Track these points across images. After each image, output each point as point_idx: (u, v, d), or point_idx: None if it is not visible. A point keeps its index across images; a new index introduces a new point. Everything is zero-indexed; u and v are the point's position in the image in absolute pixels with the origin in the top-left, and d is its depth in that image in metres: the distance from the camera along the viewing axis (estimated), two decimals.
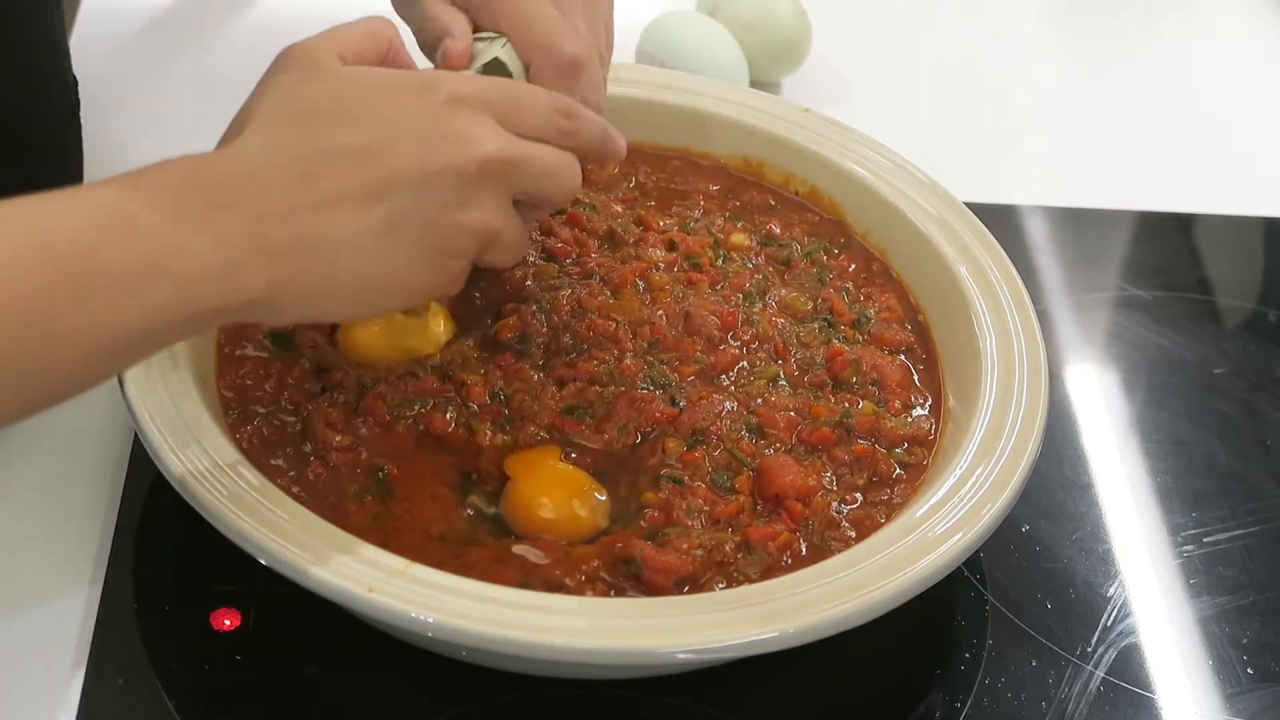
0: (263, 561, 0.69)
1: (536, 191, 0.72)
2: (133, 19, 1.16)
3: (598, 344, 0.82)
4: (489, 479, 0.77)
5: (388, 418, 0.78)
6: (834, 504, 0.77)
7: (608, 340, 0.82)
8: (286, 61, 0.69)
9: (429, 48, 0.78)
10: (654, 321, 0.83)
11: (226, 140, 0.68)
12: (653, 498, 0.76)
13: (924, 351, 0.86)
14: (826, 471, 0.79)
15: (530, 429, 0.79)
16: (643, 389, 0.80)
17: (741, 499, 0.77)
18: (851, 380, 0.83)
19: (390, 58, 0.73)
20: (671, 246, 0.88)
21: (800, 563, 0.74)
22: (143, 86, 1.10)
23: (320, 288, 0.66)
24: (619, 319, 0.83)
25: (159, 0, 1.18)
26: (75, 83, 0.90)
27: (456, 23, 0.77)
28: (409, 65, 0.74)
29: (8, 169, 0.84)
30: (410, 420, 0.79)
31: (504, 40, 0.77)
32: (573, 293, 0.84)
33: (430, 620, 0.67)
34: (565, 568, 0.73)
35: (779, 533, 0.75)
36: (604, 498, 0.77)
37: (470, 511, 0.76)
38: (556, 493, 0.77)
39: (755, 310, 0.85)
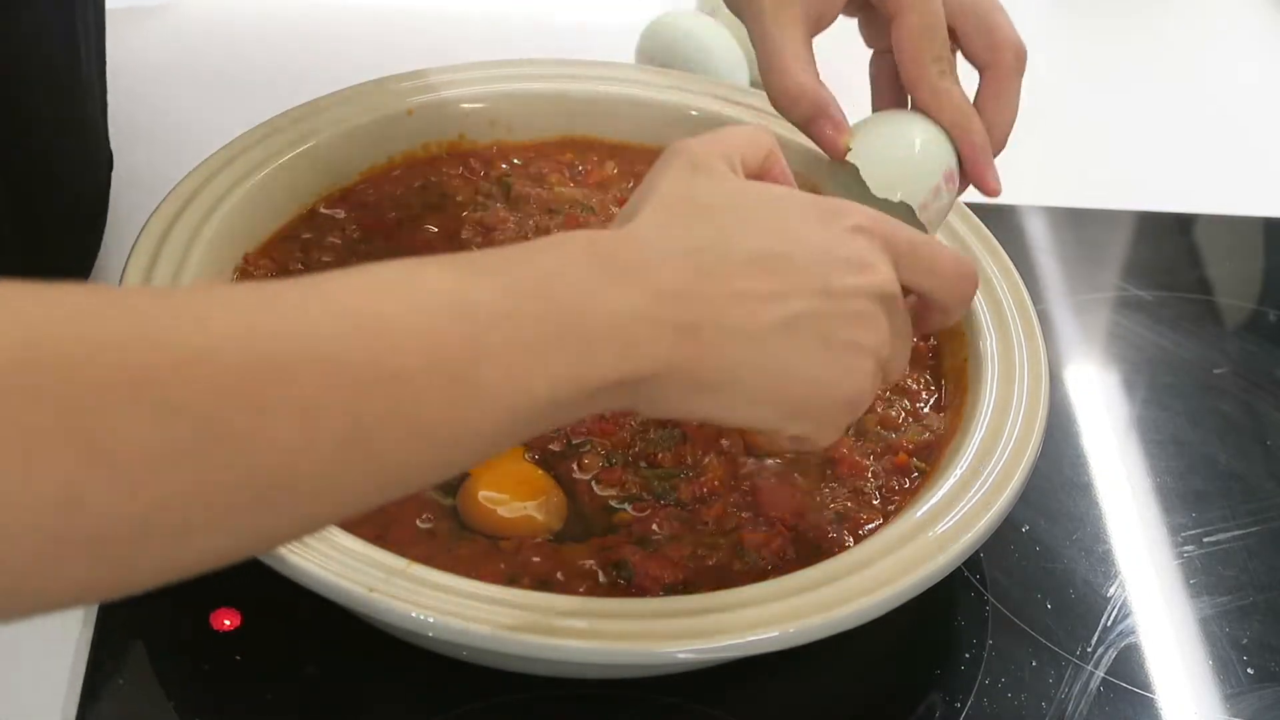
0: (263, 561, 0.69)
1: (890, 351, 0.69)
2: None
3: None
4: None
5: None
6: (830, 518, 0.77)
7: None
8: (676, 160, 0.67)
9: (799, 121, 0.79)
10: None
11: (618, 225, 0.66)
12: (627, 516, 0.76)
13: (924, 354, 0.86)
14: (822, 488, 0.78)
15: None
16: None
17: (720, 500, 0.77)
18: None
19: (768, 165, 0.71)
20: None
21: (797, 564, 0.74)
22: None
23: (711, 378, 0.63)
24: None
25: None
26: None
27: (831, 102, 0.78)
28: (785, 174, 0.71)
29: (58, 228, 0.88)
30: None
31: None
32: None
33: (430, 620, 0.67)
34: (555, 563, 0.73)
35: (772, 538, 0.75)
36: (560, 499, 0.77)
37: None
38: (513, 490, 0.76)
39: None
